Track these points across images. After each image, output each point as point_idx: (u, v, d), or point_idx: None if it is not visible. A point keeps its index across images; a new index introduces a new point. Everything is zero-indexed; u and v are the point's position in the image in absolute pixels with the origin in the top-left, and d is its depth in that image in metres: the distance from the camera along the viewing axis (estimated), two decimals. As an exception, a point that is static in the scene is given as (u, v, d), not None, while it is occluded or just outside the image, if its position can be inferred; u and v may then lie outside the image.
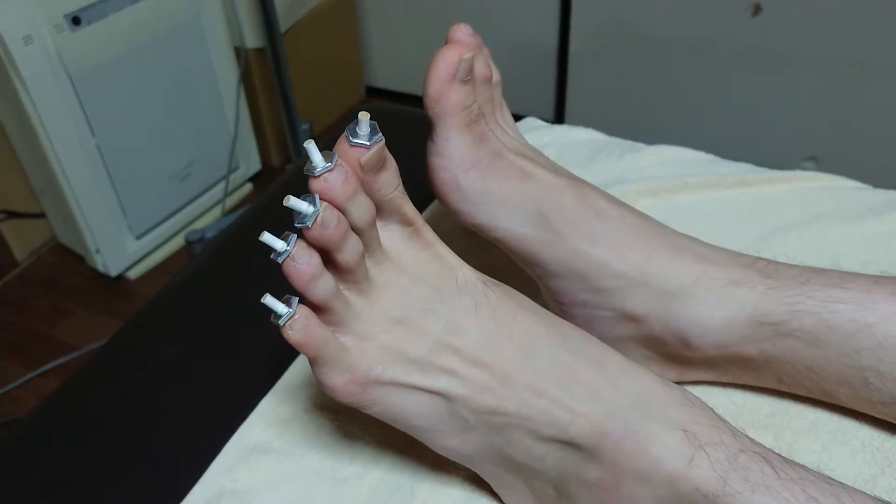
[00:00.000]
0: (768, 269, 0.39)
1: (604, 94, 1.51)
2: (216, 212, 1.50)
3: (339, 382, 0.33)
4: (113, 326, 0.65)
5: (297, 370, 0.47)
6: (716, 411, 0.34)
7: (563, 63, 1.52)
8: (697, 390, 0.43)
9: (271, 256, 0.31)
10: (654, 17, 1.38)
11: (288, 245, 0.30)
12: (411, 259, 0.35)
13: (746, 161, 0.60)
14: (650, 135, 0.69)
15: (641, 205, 0.55)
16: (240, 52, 1.44)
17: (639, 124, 1.50)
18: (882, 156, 1.34)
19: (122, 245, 1.34)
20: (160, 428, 0.46)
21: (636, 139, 0.64)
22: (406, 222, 0.35)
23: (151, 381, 0.50)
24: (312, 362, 0.33)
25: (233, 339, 0.52)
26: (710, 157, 0.61)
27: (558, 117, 1.60)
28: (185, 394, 0.48)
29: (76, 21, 1.14)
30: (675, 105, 1.46)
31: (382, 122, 0.34)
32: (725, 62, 1.37)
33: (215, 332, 0.53)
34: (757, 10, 1.29)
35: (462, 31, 0.39)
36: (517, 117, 0.67)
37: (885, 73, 1.26)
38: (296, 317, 0.31)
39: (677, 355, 0.41)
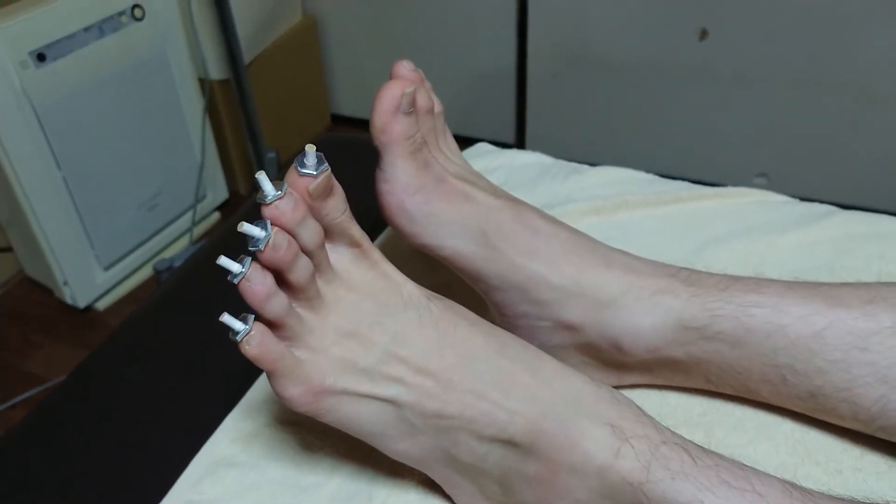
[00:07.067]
0: (691, 277, 0.43)
1: (563, 116, 1.56)
2: (184, 241, 1.51)
3: (295, 393, 0.35)
4: (82, 358, 0.66)
5: (258, 389, 0.50)
6: (646, 410, 0.37)
7: (521, 87, 1.57)
8: (635, 393, 0.46)
9: (228, 278, 0.33)
10: (608, 41, 1.43)
11: (243, 267, 0.33)
12: (359, 277, 0.37)
13: (700, 178, 0.64)
14: (607, 154, 0.73)
15: (584, 223, 0.59)
16: (205, 84, 1.47)
17: (596, 144, 1.55)
18: (827, 168, 1.40)
19: (91, 276, 1.35)
20: (127, 449, 0.48)
21: (594, 158, 0.68)
22: (354, 244, 0.37)
23: (118, 404, 0.51)
24: (269, 375, 0.35)
25: (197, 362, 0.54)
26: (650, 176, 0.65)
27: (519, 139, 1.65)
28: (151, 415, 0.50)
29: (41, 57, 1.15)
30: (630, 125, 1.51)
31: (343, 152, 0.37)
32: (676, 84, 1.43)
33: (180, 355, 0.54)
34: (703, 34, 1.35)
35: (404, 67, 0.43)
36: (477, 140, 0.70)
37: (824, 91, 1.32)
38: (252, 333, 0.34)
39: (613, 360, 0.44)
